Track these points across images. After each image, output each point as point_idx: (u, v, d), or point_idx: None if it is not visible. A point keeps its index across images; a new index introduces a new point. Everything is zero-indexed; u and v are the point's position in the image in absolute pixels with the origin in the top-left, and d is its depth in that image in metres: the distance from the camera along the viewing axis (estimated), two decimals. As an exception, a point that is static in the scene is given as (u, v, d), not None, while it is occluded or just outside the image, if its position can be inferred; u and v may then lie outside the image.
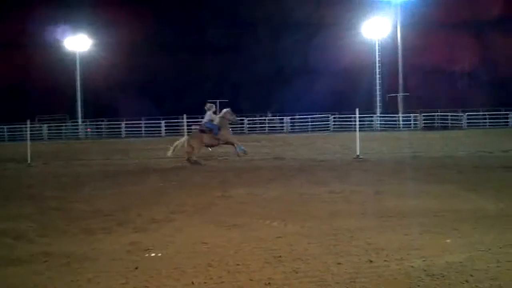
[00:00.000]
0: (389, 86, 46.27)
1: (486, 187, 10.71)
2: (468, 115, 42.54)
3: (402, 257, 5.73)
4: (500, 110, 43.39)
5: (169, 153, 18.17)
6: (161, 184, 12.85)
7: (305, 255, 5.97)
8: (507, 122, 42.35)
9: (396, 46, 45.27)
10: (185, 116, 21.02)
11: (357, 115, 19.62)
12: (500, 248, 6.00)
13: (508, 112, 42.40)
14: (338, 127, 39.90)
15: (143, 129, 44.29)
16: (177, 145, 18.24)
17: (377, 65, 45.34)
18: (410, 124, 43.52)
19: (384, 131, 38.27)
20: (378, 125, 42.47)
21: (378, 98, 45.44)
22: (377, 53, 45.31)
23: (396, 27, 45.22)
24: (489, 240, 6.37)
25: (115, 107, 47.17)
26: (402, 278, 5.11)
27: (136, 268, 5.66)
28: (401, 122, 43.92)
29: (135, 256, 6.14)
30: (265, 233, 7.08)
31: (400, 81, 45.60)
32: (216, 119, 18.37)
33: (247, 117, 43.50)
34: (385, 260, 5.64)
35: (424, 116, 43.04)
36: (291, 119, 43.62)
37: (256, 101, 46.82)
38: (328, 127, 41.99)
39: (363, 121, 38.25)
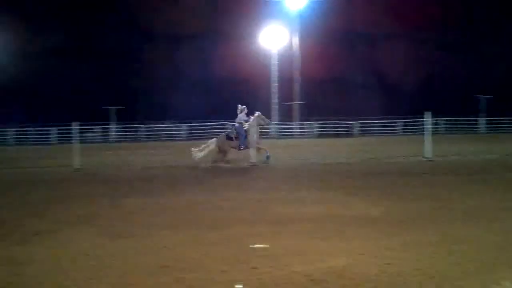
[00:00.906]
0: (286, 94, 47.17)
1: (371, 192, 11.14)
2: (360, 123, 44.14)
3: (286, 263, 5.82)
4: (389, 118, 45.36)
5: (199, 155, 18.09)
6: (48, 194, 12.26)
7: (191, 264, 5.92)
8: (396, 129, 44.33)
9: (293, 55, 46.28)
10: (74, 123, 19.98)
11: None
12: (380, 251, 6.24)
13: (396, 120, 44.41)
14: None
15: (31, 136, 42.16)
16: (204, 148, 18.26)
17: (274, 73, 46.11)
18: (306, 132, 44.61)
19: (280, 139, 38.93)
20: (274, 133, 43.11)
21: (274, 106, 46.16)
22: (273, 62, 46.08)
23: (294, 36, 46.23)
24: (370, 244, 6.61)
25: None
26: (285, 284, 5.18)
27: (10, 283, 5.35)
28: (297, 130, 44.94)
29: (13, 270, 5.81)
30: (153, 243, 6.95)
31: (296, 89, 46.63)
32: (248, 123, 18.36)
33: (144, 124, 42.85)
34: (270, 266, 5.70)
35: (318, 124, 44.24)
36: (189, 126, 43.32)
37: (154, 109, 46.18)
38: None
39: (260, 129, 38.71)
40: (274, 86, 46.30)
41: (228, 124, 41.67)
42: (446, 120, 43.85)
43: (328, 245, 6.60)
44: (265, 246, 6.58)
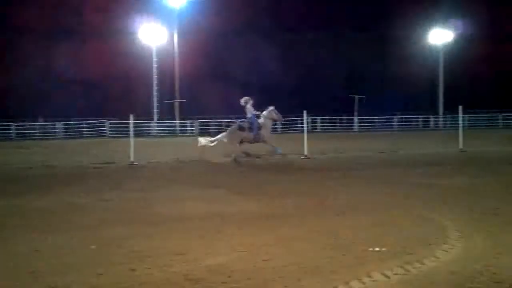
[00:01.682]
0: (167, 92, 46.67)
1: (252, 189, 11.29)
2: (240, 121, 44.62)
3: (165, 263, 5.72)
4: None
5: (203, 142, 18.59)
6: None
7: (64, 268, 5.65)
8: (276, 128, 45.33)
9: (173, 52, 45.86)
10: None
11: (131, 121, 19.27)
12: (258, 248, 6.31)
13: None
14: (115, 133, 39.04)
15: None
16: (215, 140, 18.63)
17: (154, 71, 45.42)
18: (187, 130, 44.38)
19: (161, 137, 38.47)
20: (156, 131, 42.53)
21: (155, 104, 45.50)
22: (154, 59, 45.37)
23: (174, 34, 45.80)
24: (250, 241, 6.66)
25: None
26: (163, 285, 5.09)
27: None
28: (178, 128, 44.60)
29: None
30: (23, 247, 6.55)
31: (177, 87, 46.28)
32: (261, 117, 18.44)
33: (15, 122, 40.46)
34: (148, 268, 5.58)
35: (200, 122, 44.21)
36: (64, 124, 41.50)
37: (25, 106, 43.69)
38: (104, 132, 40.88)
39: (140, 127, 38.02)
40: (155, 84, 45.60)
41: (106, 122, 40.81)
42: (322, 119, 45.59)
43: (207, 244, 6.57)
44: (143, 247, 6.42)
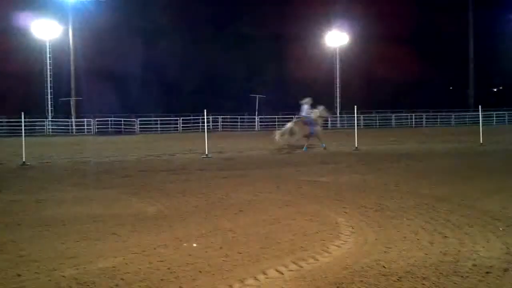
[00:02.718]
0: (63, 90, 44.99)
1: (149, 189, 11.04)
2: (140, 120, 43.97)
3: (54, 267, 5.48)
4: (170, 116, 45.94)
5: (279, 137, 20.56)
6: None
7: None
8: (177, 127, 44.99)
9: (69, 49, 44.30)
10: None
11: (23, 119, 18.36)
12: (154, 249, 6.17)
13: (177, 118, 45.07)
14: (8, 132, 37.11)
15: None
16: (285, 131, 20.59)
17: (48, 68, 43.61)
18: (84, 128, 43.05)
19: (56, 136, 37.02)
20: (50, 130, 40.89)
21: (49, 102, 43.69)
22: (47, 55, 43.55)
23: (69, 29, 44.24)
24: (145, 242, 6.50)
25: None
26: (51, 290, 4.84)
27: None
28: (74, 127, 43.13)
29: None
30: None
31: (73, 85, 44.75)
32: (314, 114, 21.01)
33: None
34: (35, 272, 5.31)
35: (97, 121, 43.05)
36: None
37: None
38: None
39: (33, 125, 36.49)
40: (49, 81, 43.78)
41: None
42: (224, 118, 45.80)
43: (100, 246, 6.34)
44: (31, 251, 6.09)
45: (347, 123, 46.00)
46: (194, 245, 6.34)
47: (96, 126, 42.95)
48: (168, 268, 5.39)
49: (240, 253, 5.93)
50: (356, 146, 20.96)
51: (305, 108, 21.31)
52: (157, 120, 45.11)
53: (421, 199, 9.08)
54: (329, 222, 7.41)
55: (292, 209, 8.52)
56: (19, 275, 5.23)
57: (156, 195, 10.23)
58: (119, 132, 41.54)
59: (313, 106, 21.59)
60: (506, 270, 5.14)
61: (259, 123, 47.24)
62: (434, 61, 58.34)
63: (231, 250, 6.04)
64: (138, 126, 43.57)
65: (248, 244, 6.32)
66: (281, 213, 8.17)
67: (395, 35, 53.11)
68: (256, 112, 48.95)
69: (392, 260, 5.55)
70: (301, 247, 6.12)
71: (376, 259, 5.56)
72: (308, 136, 21.15)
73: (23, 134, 18.16)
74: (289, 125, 21.04)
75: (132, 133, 41.89)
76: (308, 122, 21.13)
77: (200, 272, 5.28)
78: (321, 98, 54.18)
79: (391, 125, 48.89)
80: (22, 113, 18.39)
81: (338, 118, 49.74)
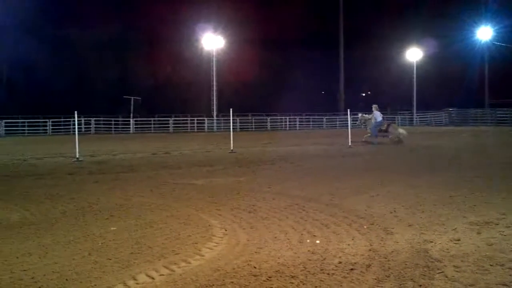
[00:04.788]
0: None
1: (13, 195, 10.44)
2: (6, 122, 41.53)
3: None
4: (39, 118, 43.82)
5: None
6: None
7: None
8: (46, 129, 42.98)
9: None
10: None
11: None
12: (17, 258, 5.83)
13: (47, 120, 43.09)
14: None
15: None
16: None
17: None
18: None
19: None
20: None
21: None
22: None
23: None
24: (7, 250, 6.13)
25: None
26: None
27: None
28: None
29: None
30: None
31: None
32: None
33: None
34: None
35: None
36: None
37: None
38: None
39: None
40: None
41: None
42: (97, 120, 44.44)
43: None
44: None
45: (224, 126, 46.45)
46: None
47: None
48: (32, 278, 5.11)
49: (110, 259, 5.77)
50: (232, 148, 21.21)
51: (378, 114, 24.99)
52: (24, 122, 42.78)
53: (292, 200, 9.36)
54: (202, 225, 7.42)
55: (165, 212, 8.44)
56: None
57: (21, 201, 9.68)
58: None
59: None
60: (368, 266, 5.42)
61: (134, 126, 46.35)
62: (306, 66, 60.53)
63: (100, 257, 5.86)
64: (4, 128, 41.07)
65: (118, 249, 6.16)
66: (153, 217, 8.06)
67: (269, 39, 54.60)
68: (131, 115, 48.01)
69: (263, 260, 5.66)
70: (173, 250, 6.07)
71: (247, 260, 5.65)
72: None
73: None
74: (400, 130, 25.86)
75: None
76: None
77: (67, 280, 5.07)
78: (198, 100, 54.47)
79: (267, 127, 50.04)
80: None
81: (215, 121, 50.06)
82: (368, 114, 25.94)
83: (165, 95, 54.62)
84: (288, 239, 6.56)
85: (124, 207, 8.99)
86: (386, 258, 5.68)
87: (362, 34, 60.90)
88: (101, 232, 7.10)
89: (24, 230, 7.26)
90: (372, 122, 25.13)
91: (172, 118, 48.40)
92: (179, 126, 48.14)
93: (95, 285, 4.94)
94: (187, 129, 47.84)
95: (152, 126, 46.70)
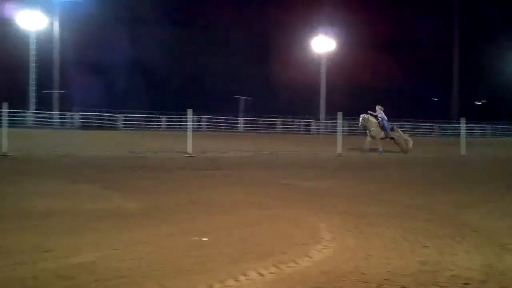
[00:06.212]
0: (45, 82, 44.51)
1: (129, 187, 10.99)
2: (124, 116, 43.66)
3: (33, 260, 5.40)
4: (153, 113, 45.65)
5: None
6: None
7: None
8: (161, 124, 44.77)
9: (53, 41, 43.88)
10: None
11: (5, 110, 18.13)
12: (132, 245, 6.12)
13: (161, 116, 44.81)
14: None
15: None
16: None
17: (32, 58, 43.15)
18: (67, 122, 42.69)
19: (38, 129, 36.68)
20: (32, 122, 40.47)
21: (32, 94, 43.24)
22: (32, 46, 43.09)
23: (56, 20, 43.83)
24: (126, 238, 6.46)
25: None
26: (30, 282, 4.79)
27: None
28: (57, 120, 42.71)
29: None
30: None
31: (57, 77, 44.33)
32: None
33: None
34: (13, 264, 5.22)
35: (81, 115, 42.70)
36: None
37: None
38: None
39: (15, 117, 36.09)
40: (33, 73, 43.33)
41: None
42: (208, 118, 45.64)
43: (77, 241, 6.26)
44: (10, 242, 6.03)
45: (331, 129, 46.15)
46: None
47: (79, 120, 42.58)
48: (149, 265, 5.34)
49: (221, 253, 5.91)
50: (339, 152, 21.03)
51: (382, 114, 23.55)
52: (141, 117, 44.75)
53: (403, 208, 9.12)
54: (310, 227, 7.41)
55: (273, 212, 8.52)
56: (-4, 266, 5.16)
57: (138, 192, 10.18)
58: (102, 127, 41.19)
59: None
60: (484, 282, 5.18)
61: (243, 125, 47.21)
62: (417, 70, 58.69)
63: (212, 250, 6.01)
64: (122, 121, 43.26)
65: (229, 244, 6.30)
66: (261, 216, 8.17)
67: (380, 42, 53.53)
68: (241, 114, 48.97)
69: (372, 267, 5.56)
70: (282, 250, 6.11)
71: (356, 265, 5.57)
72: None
73: (4, 125, 17.94)
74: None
75: (115, 128, 41.59)
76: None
77: (181, 270, 5.26)
78: (306, 103, 54.49)
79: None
80: (5, 104, 18.14)
81: (322, 124, 49.89)
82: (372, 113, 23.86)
83: (274, 96, 55.09)
84: (398, 247, 6.39)
85: (234, 204, 9.19)
86: (503, 274, 5.40)
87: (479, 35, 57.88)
88: (212, 226, 7.30)
89: (140, 219, 7.62)
90: (379, 122, 23.36)
91: (280, 119, 48.76)
92: (287, 127, 48.40)
93: (207, 277, 5.07)
94: (294, 130, 48.02)
95: (260, 125, 47.28)
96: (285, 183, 12.33)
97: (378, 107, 23.88)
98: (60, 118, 42.93)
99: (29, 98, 43.03)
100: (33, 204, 8.56)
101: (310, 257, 5.86)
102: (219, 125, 46.05)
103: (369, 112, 23.92)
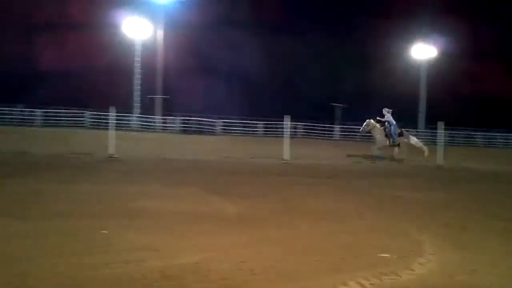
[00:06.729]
0: (149, 88, 46.33)
1: (229, 190, 11.24)
2: (222, 121, 44.54)
3: (141, 258, 5.66)
4: (250, 119, 46.20)
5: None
6: None
7: (36, 256, 5.57)
8: (257, 131, 45.24)
9: (157, 48, 45.58)
10: None
11: (113, 114, 19.07)
12: (233, 248, 6.27)
13: (258, 122, 45.24)
14: (95, 124, 38.72)
15: None
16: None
17: (137, 65, 45.08)
18: (168, 126, 44.17)
19: (141, 132, 38.26)
20: (136, 126, 42.26)
21: (137, 98, 45.18)
22: (137, 53, 45.04)
23: (158, 29, 45.51)
24: (225, 241, 6.63)
25: None
26: (138, 280, 5.02)
27: None
28: (159, 124, 44.33)
29: None
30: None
31: (160, 83, 46.00)
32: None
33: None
34: (123, 262, 5.50)
35: (181, 119, 44.02)
36: (44, 112, 41.04)
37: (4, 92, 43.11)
38: (84, 123, 40.59)
39: (120, 120, 37.80)
40: (137, 78, 45.28)
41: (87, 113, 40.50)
42: (304, 125, 45.60)
43: (181, 242, 6.52)
44: (119, 241, 6.35)
45: (431, 139, 44.73)
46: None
47: (179, 125, 43.94)
48: (250, 270, 5.44)
49: (320, 261, 5.92)
50: (440, 163, 20.30)
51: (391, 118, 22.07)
52: (238, 122, 45.43)
53: (508, 223, 8.72)
54: (410, 239, 7.26)
55: (372, 222, 8.43)
56: (108, 263, 5.43)
57: (236, 196, 10.38)
58: (201, 132, 42.26)
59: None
60: None
61: (339, 132, 46.77)
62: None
63: (310, 257, 6.04)
64: (220, 127, 44.15)
65: (327, 253, 6.30)
66: (360, 225, 8.11)
67: (482, 51, 51.30)
68: (337, 121, 48.53)
69: (477, 284, 5.39)
70: (382, 261, 6.04)
71: (461, 281, 5.42)
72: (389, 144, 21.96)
73: (111, 127, 18.83)
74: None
75: (213, 133, 42.54)
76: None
77: (281, 276, 5.32)
78: (405, 111, 53.09)
79: (477, 143, 47.02)
80: (112, 108, 19.07)
81: (421, 133, 48.40)
82: (380, 119, 22.41)
83: (370, 104, 54.13)
84: (502, 265, 6.14)
85: (331, 212, 9.16)
86: None
87: None
88: (310, 233, 7.33)
89: (239, 223, 7.79)
90: (385, 128, 21.95)
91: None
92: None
93: (308, 285, 5.11)
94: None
95: (357, 133, 46.49)
96: (382, 193, 12.10)
97: (385, 110, 22.33)
98: (162, 122, 44.55)
99: (133, 102, 44.94)
100: (139, 204, 8.96)
101: (412, 270, 5.74)
102: (315, 132, 45.89)
103: (377, 118, 22.63)
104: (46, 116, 41.07)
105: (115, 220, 7.56)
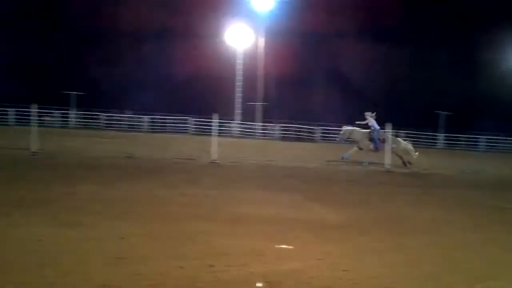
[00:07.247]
0: (250, 94, 47.13)
1: (331, 198, 11.19)
2: (322, 128, 44.36)
3: (243, 262, 5.75)
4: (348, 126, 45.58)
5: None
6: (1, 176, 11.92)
7: (147, 257, 5.79)
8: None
9: (258, 55, 46.30)
10: (33, 106, 19.52)
11: (216, 120, 19.55)
12: (337, 257, 6.23)
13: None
14: (198, 131, 39.93)
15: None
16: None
17: (238, 73, 46.01)
18: (268, 133, 44.68)
19: (242, 138, 38.96)
20: (237, 132, 43.09)
21: (238, 105, 46.11)
22: (238, 61, 45.97)
23: (259, 36, 46.23)
24: (328, 249, 6.60)
25: None
26: (240, 284, 5.13)
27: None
28: (259, 131, 44.95)
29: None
30: (107, 233, 6.79)
31: (260, 90, 46.68)
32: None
33: (104, 112, 42.36)
34: (226, 265, 5.61)
35: (281, 126, 44.35)
36: (151, 118, 42.92)
37: (115, 98, 45.54)
38: (187, 129, 41.96)
39: (222, 126, 38.70)
40: (238, 85, 46.20)
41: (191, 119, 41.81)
42: (406, 133, 44.48)
43: (284, 248, 6.57)
44: (222, 245, 6.49)
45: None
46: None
47: (279, 131, 44.28)
48: (353, 279, 5.40)
49: (426, 274, 5.76)
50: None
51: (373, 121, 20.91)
52: (336, 130, 44.94)
53: None
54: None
55: (479, 235, 8.07)
56: (212, 266, 5.58)
57: (337, 204, 10.35)
58: (300, 139, 42.35)
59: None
60: None
61: (443, 141, 45.24)
62: None
63: (415, 270, 5.89)
64: (320, 134, 43.99)
65: (432, 266, 6.12)
66: (466, 238, 7.80)
67: None
68: (440, 129, 47.01)
69: None
70: (494, 276, 5.78)
71: None
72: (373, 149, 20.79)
73: (214, 133, 19.30)
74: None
75: (312, 140, 42.47)
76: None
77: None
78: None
79: None
80: (215, 115, 19.55)
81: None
82: (360, 124, 21.16)
83: (478, 113, 51.87)
84: None
85: (435, 223, 8.92)
86: None
87: None
88: (414, 245, 7.15)
89: (341, 232, 7.72)
90: (370, 132, 20.63)
91: (484, 137, 45.68)
92: (491, 145, 45.17)
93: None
94: (499, 148, 44.59)
95: (461, 142, 44.80)
96: (490, 205, 11.59)
97: (367, 114, 21.05)
98: (262, 129, 45.12)
99: (234, 109, 45.91)
100: (243, 210, 9.12)
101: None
102: (418, 140, 44.63)
103: (356, 123, 21.47)
104: (152, 122, 42.85)
105: (223, 225, 7.71)
